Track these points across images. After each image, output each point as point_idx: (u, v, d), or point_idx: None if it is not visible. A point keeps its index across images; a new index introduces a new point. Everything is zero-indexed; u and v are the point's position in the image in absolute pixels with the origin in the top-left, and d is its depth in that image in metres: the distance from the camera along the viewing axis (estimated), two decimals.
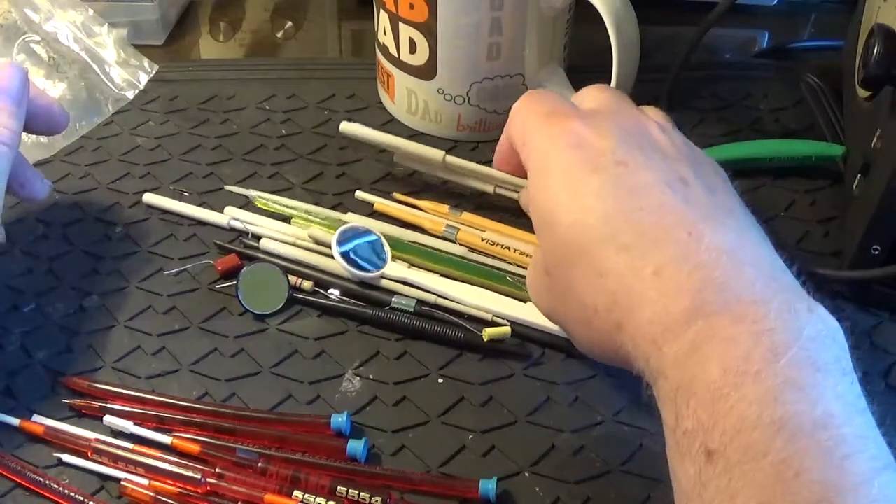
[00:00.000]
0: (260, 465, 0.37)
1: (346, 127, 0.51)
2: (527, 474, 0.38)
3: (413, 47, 0.52)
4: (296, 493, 0.36)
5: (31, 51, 0.55)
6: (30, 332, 0.43)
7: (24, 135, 0.44)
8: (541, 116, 0.36)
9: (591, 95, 0.39)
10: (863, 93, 0.48)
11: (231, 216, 0.49)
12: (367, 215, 0.50)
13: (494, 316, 0.44)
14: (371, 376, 0.42)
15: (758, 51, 0.68)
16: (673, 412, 0.28)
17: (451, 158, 0.50)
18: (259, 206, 0.50)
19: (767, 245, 0.32)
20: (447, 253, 0.47)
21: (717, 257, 0.29)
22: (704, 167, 0.35)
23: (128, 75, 0.56)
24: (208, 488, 0.36)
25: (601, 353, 0.34)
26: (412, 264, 0.46)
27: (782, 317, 0.27)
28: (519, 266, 0.46)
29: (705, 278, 0.29)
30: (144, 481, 0.37)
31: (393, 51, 0.54)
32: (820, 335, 0.27)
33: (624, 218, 0.32)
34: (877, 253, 0.44)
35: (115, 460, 0.37)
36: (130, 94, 0.54)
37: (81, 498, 0.36)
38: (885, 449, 0.26)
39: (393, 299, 0.44)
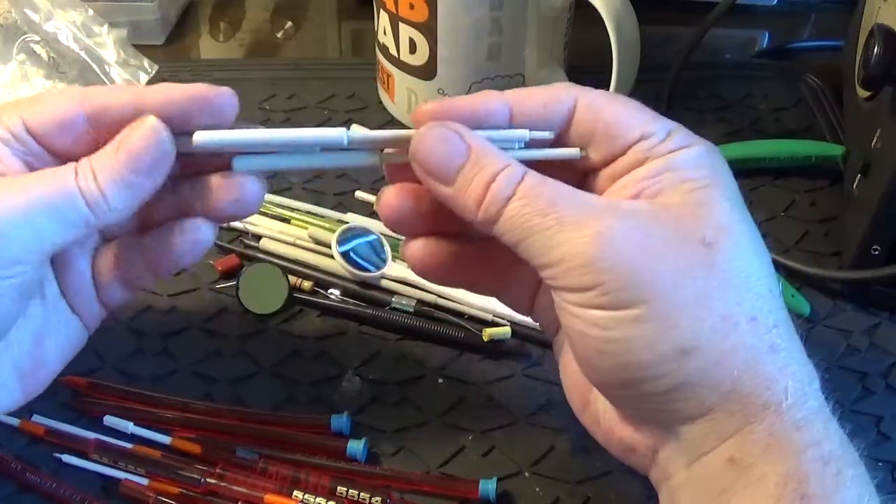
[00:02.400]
0: (260, 465, 0.37)
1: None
2: (527, 474, 0.38)
3: (413, 47, 0.52)
4: (296, 493, 0.36)
5: (31, 51, 0.55)
6: None
7: None
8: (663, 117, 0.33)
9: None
10: (863, 93, 0.48)
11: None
12: (367, 215, 0.50)
13: (494, 316, 0.44)
14: (371, 376, 0.42)
15: (758, 51, 0.68)
16: (796, 469, 0.28)
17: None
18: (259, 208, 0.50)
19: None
20: None
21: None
22: None
23: (128, 75, 0.56)
24: (208, 488, 0.36)
25: (705, 367, 0.28)
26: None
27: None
28: None
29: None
30: (144, 481, 0.37)
31: (393, 51, 0.54)
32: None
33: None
34: (877, 253, 0.44)
35: (115, 460, 0.37)
36: None
37: (81, 498, 0.36)
38: None
39: (393, 299, 0.44)
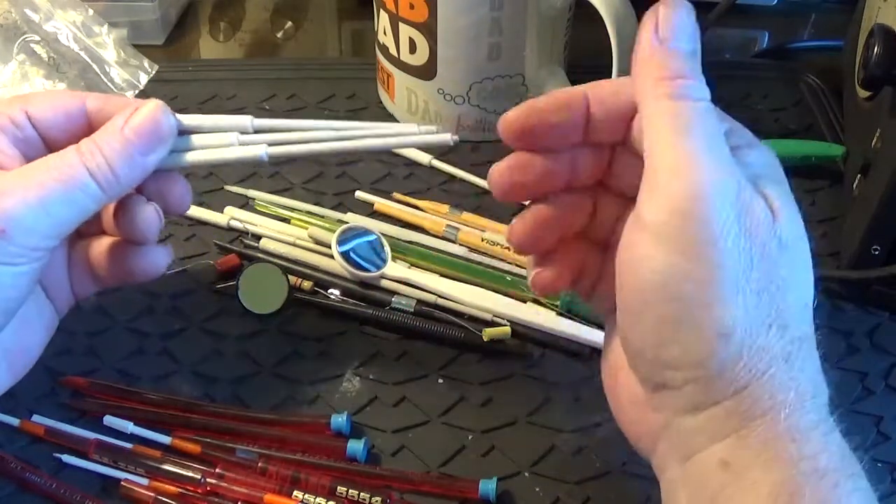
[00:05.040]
0: (260, 465, 0.37)
1: None
2: (527, 474, 0.38)
3: (413, 47, 0.52)
4: (296, 493, 0.36)
5: (31, 51, 0.55)
6: None
7: None
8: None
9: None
10: (863, 93, 0.48)
11: (231, 216, 0.49)
12: (367, 215, 0.50)
13: (494, 316, 0.44)
14: (371, 376, 0.42)
15: (758, 51, 0.68)
16: (786, 482, 0.28)
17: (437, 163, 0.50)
18: (259, 208, 0.50)
19: None
20: (447, 253, 0.47)
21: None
22: None
23: (128, 75, 0.56)
24: (208, 488, 0.36)
25: (740, 366, 0.29)
26: (412, 264, 0.46)
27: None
28: (519, 266, 0.46)
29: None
30: (144, 481, 0.37)
31: (393, 51, 0.54)
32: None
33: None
34: (877, 253, 0.44)
35: (115, 460, 0.37)
36: (130, 94, 0.54)
37: (81, 498, 0.36)
38: None
39: (393, 299, 0.44)
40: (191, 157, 0.35)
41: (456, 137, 0.36)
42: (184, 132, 0.35)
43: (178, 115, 0.35)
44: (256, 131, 0.36)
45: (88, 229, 0.38)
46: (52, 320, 0.37)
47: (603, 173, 0.34)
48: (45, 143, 0.34)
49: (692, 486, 0.30)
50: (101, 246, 0.37)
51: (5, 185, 0.31)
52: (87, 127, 0.34)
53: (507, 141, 0.33)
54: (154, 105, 0.33)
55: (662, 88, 0.30)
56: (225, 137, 0.36)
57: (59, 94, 0.35)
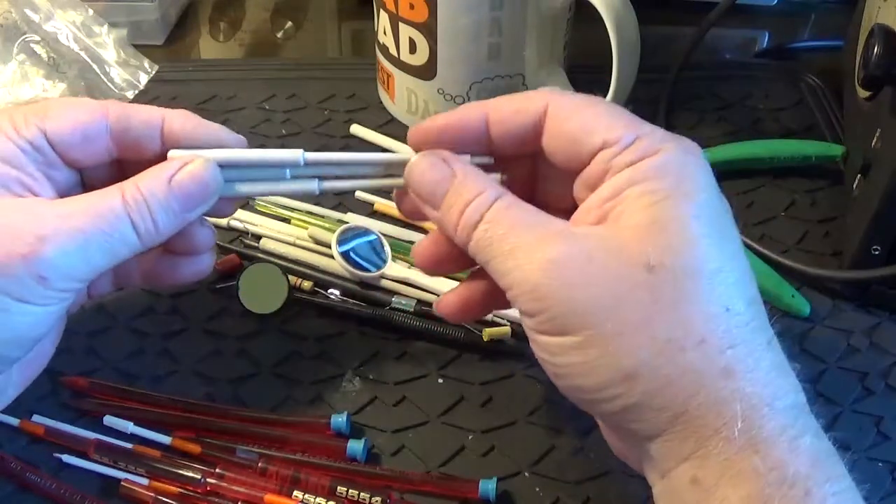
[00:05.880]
0: (260, 465, 0.37)
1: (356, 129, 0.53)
2: (527, 474, 0.38)
3: (413, 47, 0.52)
4: (296, 493, 0.36)
5: (31, 51, 0.55)
6: None
7: None
8: (641, 122, 0.32)
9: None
10: (863, 93, 0.48)
11: (231, 216, 0.49)
12: (367, 215, 0.50)
13: (494, 316, 0.44)
14: (371, 376, 0.42)
15: (758, 51, 0.68)
16: (759, 492, 0.27)
17: None
18: (259, 208, 0.50)
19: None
20: None
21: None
22: None
23: (128, 75, 0.56)
24: (208, 488, 0.36)
25: (653, 390, 0.28)
26: (412, 264, 0.46)
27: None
28: None
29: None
30: (144, 481, 0.37)
31: (393, 51, 0.54)
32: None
33: (751, 273, 0.30)
34: (877, 253, 0.44)
35: (115, 460, 0.37)
36: (130, 94, 0.54)
37: (81, 498, 0.36)
38: None
39: (393, 299, 0.44)
40: (244, 188, 0.35)
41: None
42: (235, 166, 0.34)
43: (229, 152, 0.34)
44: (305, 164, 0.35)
45: None
46: (63, 322, 0.37)
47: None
48: (65, 161, 0.33)
49: (671, 501, 0.30)
50: (149, 256, 0.37)
51: (45, 229, 0.30)
52: (110, 145, 0.34)
53: (414, 149, 0.34)
54: (202, 164, 0.33)
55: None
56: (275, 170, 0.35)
57: (78, 108, 0.33)
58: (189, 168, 0.33)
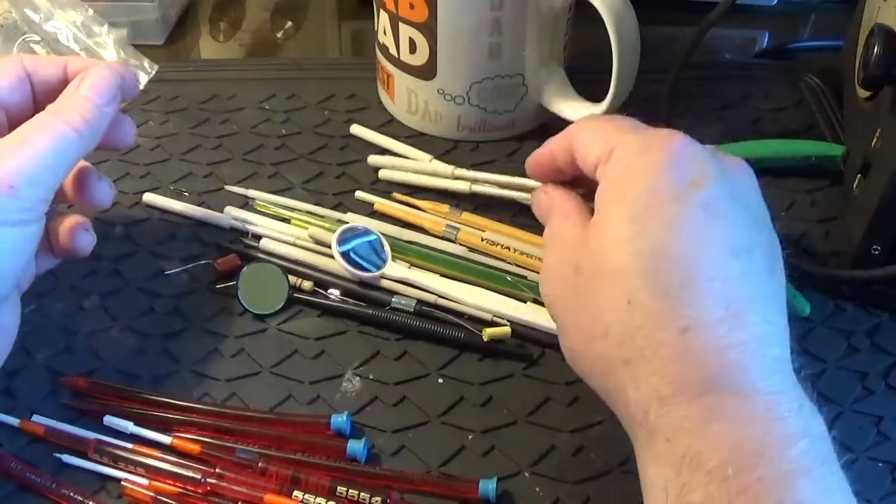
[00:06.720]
0: (260, 465, 0.37)
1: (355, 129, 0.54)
2: (527, 474, 0.38)
3: (413, 47, 0.52)
4: (296, 493, 0.36)
5: (31, 51, 0.55)
6: (30, 332, 0.43)
7: None
8: (642, 126, 0.35)
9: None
10: (863, 93, 0.48)
11: (231, 216, 0.49)
12: (367, 215, 0.50)
13: (494, 316, 0.44)
14: (371, 376, 0.42)
15: (758, 51, 0.68)
16: (675, 479, 0.28)
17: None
18: (259, 208, 0.50)
19: (787, 334, 0.32)
20: (447, 253, 0.47)
21: (748, 340, 0.30)
22: (770, 236, 0.34)
23: None
24: (208, 488, 0.36)
25: (588, 371, 0.34)
26: (412, 264, 0.46)
27: (793, 411, 0.29)
28: (519, 266, 0.46)
29: (732, 356, 0.29)
30: (144, 481, 0.37)
31: (393, 51, 0.54)
32: (823, 434, 0.29)
33: (676, 262, 0.30)
34: (877, 253, 0.44)
35: (115, 460, 0.37)
36: None
37: (81, 498, 0.36)
38: None
39: (393, 299, 0.44)
40: None
41: None
42: None
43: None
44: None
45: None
46: (18, 309, 0.39)
47: None
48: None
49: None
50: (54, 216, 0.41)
51: (3, 149, 0.35)
52: (29, 85, 0.40)
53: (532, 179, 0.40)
54: (98, 70, 0.39)
55: None
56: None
57: (5, 62, 0.39)
58: (91, 71, 0.39)
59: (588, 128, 0.36)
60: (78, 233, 0.40)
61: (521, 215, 0.49)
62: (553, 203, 0.37)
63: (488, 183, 0.50)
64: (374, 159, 0.53)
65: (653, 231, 0.31)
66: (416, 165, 0.52)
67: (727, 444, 0.28)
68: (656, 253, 0.31)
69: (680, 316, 0.30)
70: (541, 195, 0.39)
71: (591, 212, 0.35)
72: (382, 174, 0.52)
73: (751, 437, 0.28)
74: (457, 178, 0.50)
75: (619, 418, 0.33)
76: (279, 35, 0.69)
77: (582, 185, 0.38)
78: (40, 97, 0.40)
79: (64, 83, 0.39)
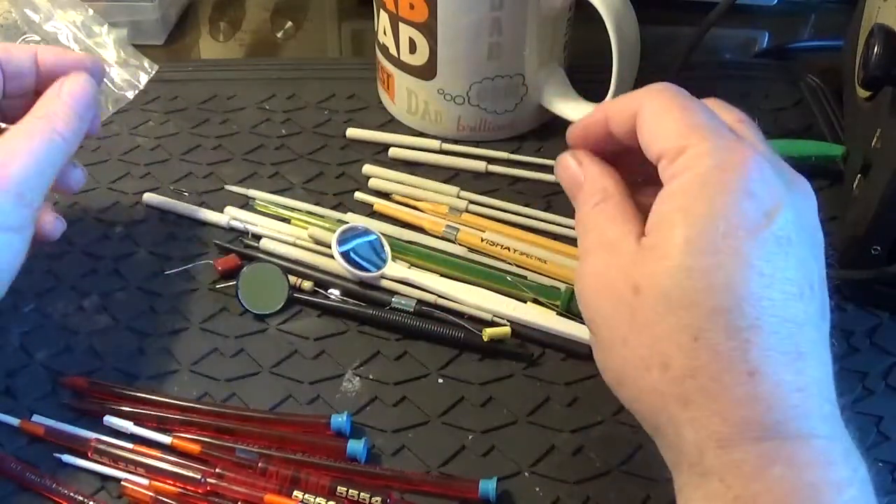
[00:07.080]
0: (260, 465, 0.37)
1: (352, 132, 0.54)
2: (527, 474, 0.38)
3: (413, 47, 0.52)
4: (296, 493, 0.36)
5: None
6: (30, 332, 0.43)
7: None
8: (718, 126, 0.32)
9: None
10: (863, 93, 0.48)
11: (231, 216, 0.49)
12: (367, 215, 0.50)
13: (494, 316, 0.44)
14: (371, 376, 0.42)
15: (758, 51, 0.68)
16: None
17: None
18: (259, 208, 0.50)
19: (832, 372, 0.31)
20: (447, 253, 0.47)
21: (810, 385, 0.29)
22: (822, 264, 0.33)
23: (128, 75, 0.56)
24: (208, 488, 0.36)
25: (633, 398, 0.31)
26: (412, 264, 0.46)
27: (844, 455, 0.29)
28: (519, 266, 0.46)
29: (795, 402, 0.29)
30: (144, 481, 0.37)
31: (393, 51, 0.54)
32: (867, 478, 0.29)
33: (749, 302, 0.29)
34: (877, 253, 0.44)
35: (115, 460, 0.37)
36: (130, 94, 0.54)
37: (81, 498, 0.36)
38: None
39: (393, 299, 0.44)
40: None
41: None
42: None
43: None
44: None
45: None
46: None
47: None
48: None
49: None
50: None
51: (6, 157, 0.37)
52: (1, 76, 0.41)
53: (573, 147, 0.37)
54: (77, 77, 0.41)
55: None
56: None
57: None
58: (67, 80, 0.41)
59: (660, 106, 0.32)
60: (53, 219, 0.41)
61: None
62: (586, 175, 0.34)
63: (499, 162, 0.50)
64: (368, 169, 0.53)
65: (728, 267, 0.29)
66: (408, 179, 0.52)
67: (783, 489, 0.27)
68: (731, 290, 0.29)
69: (749, 359, 0.29)
70: (568, 159, 0.35)
71: (629, 197, 0.33)
72: (373, 183, 0.52)
73: (807, 483, 0.28)
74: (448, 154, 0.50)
75: (661, 449, 0.31)
76: (279, 35, 0.69)
77: (620, 163, 0.35)
78: (10, 84, 0.41)
79: (33, 72, 0.41)
